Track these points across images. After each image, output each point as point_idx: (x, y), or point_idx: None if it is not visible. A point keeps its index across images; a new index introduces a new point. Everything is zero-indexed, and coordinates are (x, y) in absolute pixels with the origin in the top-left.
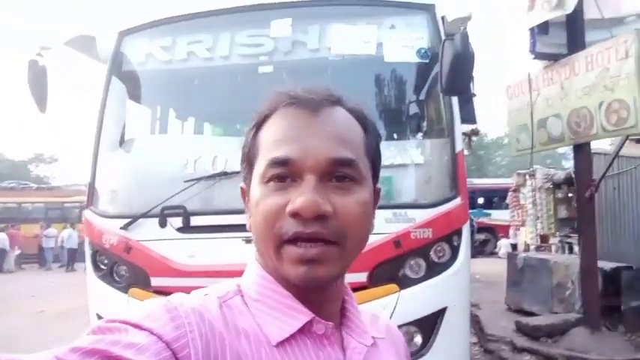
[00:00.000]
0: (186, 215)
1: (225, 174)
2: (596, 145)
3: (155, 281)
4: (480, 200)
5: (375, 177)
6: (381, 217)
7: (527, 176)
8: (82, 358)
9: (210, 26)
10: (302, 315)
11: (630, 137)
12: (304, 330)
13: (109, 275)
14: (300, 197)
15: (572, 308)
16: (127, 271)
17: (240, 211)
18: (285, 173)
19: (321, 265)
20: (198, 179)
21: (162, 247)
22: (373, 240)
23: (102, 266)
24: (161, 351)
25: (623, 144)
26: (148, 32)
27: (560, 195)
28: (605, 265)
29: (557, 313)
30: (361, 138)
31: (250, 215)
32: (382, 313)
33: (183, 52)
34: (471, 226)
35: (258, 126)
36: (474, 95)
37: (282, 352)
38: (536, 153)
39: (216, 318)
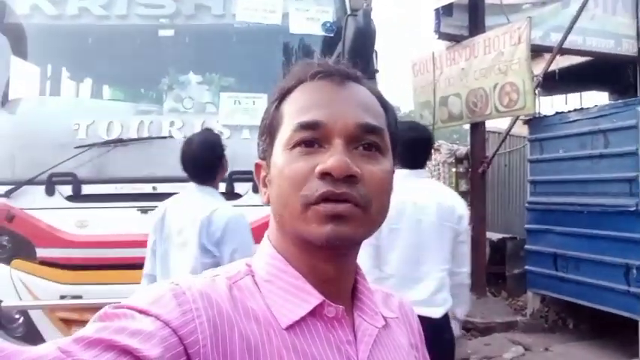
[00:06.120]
0: (77, 183)
1: (120, 141)
2: (494, 124)
3: (41, 252)
4: None
5: (393, 157)
6: None
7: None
8: (85, 348)
9: None
10: (312, 297)
11: (520, 117)
12: (315, 313)
13: None
14: (331, 158)
15: None
16: (10, 241)
17: (138, 180)
18: (312, 138)
19: (347, 223)
20: (91, 145)
21: (49, 217)
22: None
23: None
24: (168, 337)
25: (513, 124)
26: None
27: (461, 169)
28: (493, 235)
29: None
30: (383, 114)
31: (269, 187)
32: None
33: (75, 8)
34: None
35: (282, 97)
36: (377, 71)
37: (291, 334)
38: (445, 129)
39: (225, 301)
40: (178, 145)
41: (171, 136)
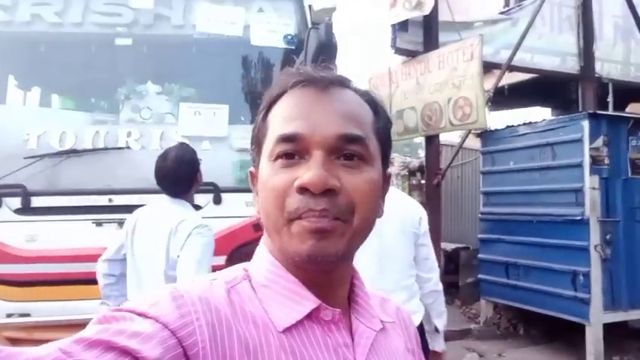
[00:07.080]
0: (27, 195)
1: (74, 151)
2: (447, 137)
3: None
4: None
5: (385, 161)
6: (242, 200)
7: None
8: (85, 349)
9: None
10: (309, 302)
11: (472, 131)
12: (312, 316)
13: None
14: (308, 172)
15: None
16: None
17: (91, 192)
18: (293, 150)
19: (328, 239)
20: (42, 156)
21: None
22: (233, 223)
23: None
24: (167, 339)
25: (466, 137)
26: None
27: (414, 182)
28: (448, 245)
29: None
30: (371, 118)
31: (258, 196)
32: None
33: (27, 14)
34: None
35: (268, 108)
36: None
37: (289, 337)
38: (397, 142)
39: (223, 304)
40: (136, 156)
41: (128, 147)
